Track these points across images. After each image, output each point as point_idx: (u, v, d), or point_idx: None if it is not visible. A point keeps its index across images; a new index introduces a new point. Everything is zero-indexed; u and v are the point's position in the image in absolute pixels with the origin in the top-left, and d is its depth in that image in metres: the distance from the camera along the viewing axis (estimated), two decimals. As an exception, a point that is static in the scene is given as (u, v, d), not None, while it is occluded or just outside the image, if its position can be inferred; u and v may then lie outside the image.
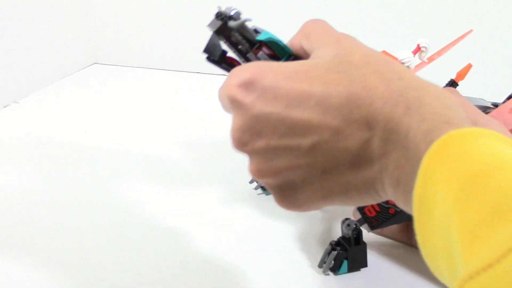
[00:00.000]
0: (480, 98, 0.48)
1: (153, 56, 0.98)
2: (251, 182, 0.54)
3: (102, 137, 0.69)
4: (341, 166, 0.26)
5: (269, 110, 0.26)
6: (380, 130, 0.24)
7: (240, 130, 0.27)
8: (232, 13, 0.35)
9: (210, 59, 0.36)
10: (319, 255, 0.42)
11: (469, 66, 0.45)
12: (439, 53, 0.47)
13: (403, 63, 0.40)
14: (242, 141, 0.27)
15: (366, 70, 0.26)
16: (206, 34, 0.96)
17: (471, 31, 0.49)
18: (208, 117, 0.75)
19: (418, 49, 0.42)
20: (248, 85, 0.26)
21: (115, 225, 0.49)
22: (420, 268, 0.42)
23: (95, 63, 1.02)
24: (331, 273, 0.41)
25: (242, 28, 0.35)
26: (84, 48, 0.99)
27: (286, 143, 0.26)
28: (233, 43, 0.35)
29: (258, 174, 0.27)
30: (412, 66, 0.41)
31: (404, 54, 0.40)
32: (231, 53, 0.36)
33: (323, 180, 0.26)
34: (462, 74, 0.45)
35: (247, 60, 0.36)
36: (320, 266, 0.41)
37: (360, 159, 0.25)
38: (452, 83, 0.45)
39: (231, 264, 0.43)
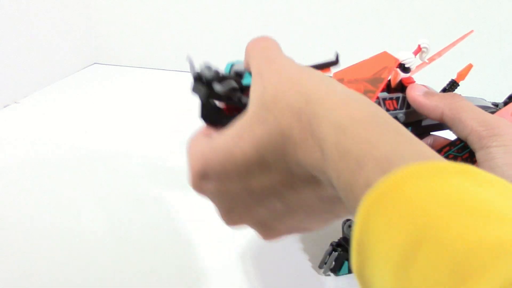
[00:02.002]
0: (480, 98, 0.48)
1: (153, 56, 0.98)
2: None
3: (102, 137, 0.69)
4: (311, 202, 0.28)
5: (230, 187, 0.28)
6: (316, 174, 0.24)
7: (222, 209, 0.31)
8: (210, 75, 0.33)
9: (211, 122, 0.34)
10: (319, 256, 0.42)
11: (469, 66, 0.44)
12: (439, 53, 0.47)
13: (404, 64, 0.40)
14: (230, 217, 0.31)
15: (276, 110, 0.25)
16: (206, 34, 0.97)
17: (472, 31, 0.48)
18: (208, 117, 0.75)
19: (419, 50, 0.41)
20: (203, 177, 0.29)
21: (115, 225, 0.49)
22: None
23: (95, 63, 1.02)
24: (331, 274, 0.41)
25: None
26: (84, 48, 0.99)
27: (255, 201, 0.28)
28: (224, 98, 0.33)
29: (240, 221, 0.31)
30: (413, 67, 0.41)
31: (405, 54, 0.40)
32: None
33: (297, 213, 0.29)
34: (463, 74, 0.44)
35: (242, 103, 0.34)
36: (320, 266, 0.41)
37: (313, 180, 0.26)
38: (453, 83, 0.45)
39: (231, 265, 0.43)
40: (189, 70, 0.34)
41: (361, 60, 0.43)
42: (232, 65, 0.35)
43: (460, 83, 0.45)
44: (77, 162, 0.62)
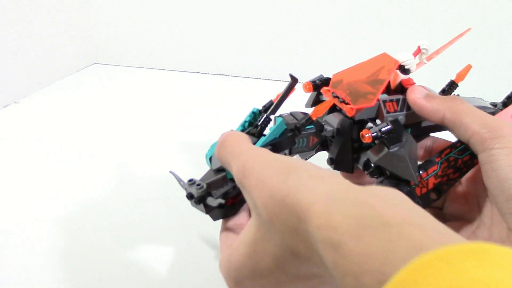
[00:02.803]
0: (479, 98, 0.48)
1: (153, 56, 0.98)
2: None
3: (102, 137, 0.69)
4: None
5: None
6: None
7: None
8: (199, 193, 0.35)
9: (224, 218, 0.37)
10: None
11: (468, 67, 0.44)
12: (437, 52, 0.47)
13: (404, 66, 0.40)
14: None
15: (278, 232, 0.26)
16: (205, 35, 0.96)
17: (469, 29, 0.48)
18: (208, 117, 0.75)
19: (418, 51, 0.41)
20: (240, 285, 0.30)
21: (116, 225, 0.49)
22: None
23: (95, 63, 1.02)
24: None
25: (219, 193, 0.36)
26: (84, 48, 0.99)
27: None
28: (222, 198, 0.36)
29: None
30: (413, 68, 0.41)
31: (405, 56, 0.40)
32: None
33: None
34: (462, 75, 0.45)
35: (238, 191, 0.36)
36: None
37: None
38: (452, 84, 0.45)
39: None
40: (179, 183, 0.37)
41: (361, 61, 0.43)
42: (210, 158, 0.38)
43: (459, 83, 0.45)
44: (77, 162, 0.62)
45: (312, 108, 0.42)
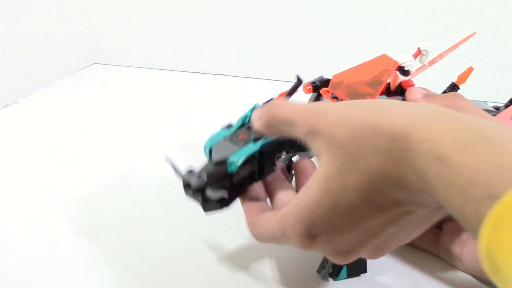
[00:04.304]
0: (482, 101, 0.48)
1: (153, 56, 0.98)
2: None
3: (102, 137, 0.69)
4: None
5: (341, 235, 0.28)
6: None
7: (336, 255, 0.31)
8: (198, 184, 0.33)
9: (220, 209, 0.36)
10: (318, 260, 0.41)
11: (470, 69, 0.44)
12: (441, 56, 0.47)
13: (403, 67, 0.39)
14: (345, 258, 0.30)
15: (366, 157, 0.25)
16: (205, 35, 0.96)
17: (474, 34, 0.48)
18: (208, 117, 0.75)
19: (418, 53, 0.41)
20: (311, 237, 0.29)
21: (116, 226, 0.49)
22: (422, 274, 0.42)
23: (95, 63, 1.02)
24: (330, 279, 0.41)
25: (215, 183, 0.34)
26: (84, 48, 0.99)
27: (371, 236, 0.28)
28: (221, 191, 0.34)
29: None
30: (413, 70, 0.41)
31: (405, 57, 0.40)
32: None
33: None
34: (463, 77, 0.44)
35: (235, 184, 0.35)
36: (318, 271, 0.41)
37: None
38: (454, 87, 0.45)
39: (228, 267, 0.43)
40: (174, 171, 0.35)
41: (360, 62, 0.43)
42: (210, 149, 0.36)
43: (461, 86, 0.45)
44: (77, 162, 0.62)
45: None
